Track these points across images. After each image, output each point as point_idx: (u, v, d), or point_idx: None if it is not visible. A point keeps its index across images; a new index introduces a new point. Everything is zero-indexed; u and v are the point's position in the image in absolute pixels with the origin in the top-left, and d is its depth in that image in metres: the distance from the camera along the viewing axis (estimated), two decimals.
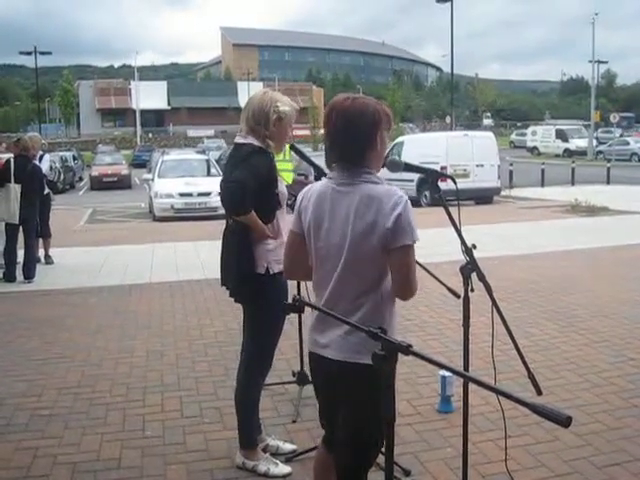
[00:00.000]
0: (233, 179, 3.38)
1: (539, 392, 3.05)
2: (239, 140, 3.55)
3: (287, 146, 3.93)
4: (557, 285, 7.87)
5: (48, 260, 10.08)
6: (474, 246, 2.76)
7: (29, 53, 49.51)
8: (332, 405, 2.57)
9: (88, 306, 7.50)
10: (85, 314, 7.14)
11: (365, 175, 2.40)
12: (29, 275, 8.77)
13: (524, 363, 3.00)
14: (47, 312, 7.24)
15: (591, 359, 5.29)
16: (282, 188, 3.57)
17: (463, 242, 2.71)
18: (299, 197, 2.58)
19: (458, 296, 3.06)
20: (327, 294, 2.48)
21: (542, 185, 23.85)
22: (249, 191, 3.32)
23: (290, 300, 2.18)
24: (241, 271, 3.45)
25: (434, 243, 10.03)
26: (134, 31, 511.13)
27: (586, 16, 48.49)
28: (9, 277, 8.76)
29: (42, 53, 49.86)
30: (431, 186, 2.70)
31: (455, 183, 2.77)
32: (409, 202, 2.35)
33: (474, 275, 2.85)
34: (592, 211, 15.38)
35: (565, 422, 1.42)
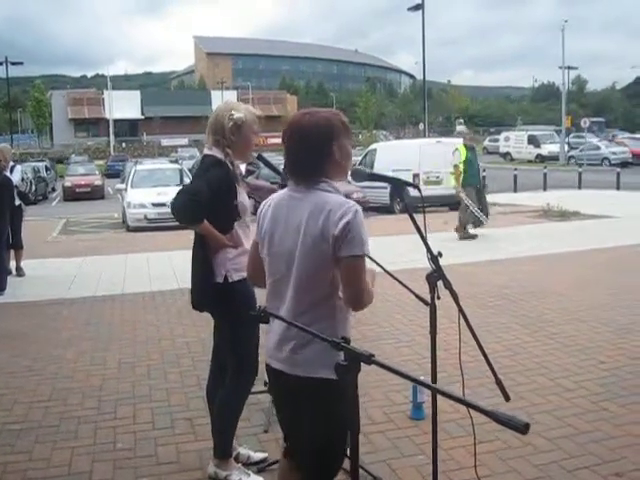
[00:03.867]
0: (184, 190, 3.40)
1: (507, 398, 3.08)
2: (205, 151, 3.58)
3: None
4: (529, 290, 7.94)
5: (19, 272, 9.96)
6: (440, 254, 2.77)
7: (0, 63, 48.95)
8: (292, 418, 2.57)
9: (60, 318, 7.43)
10: (57, 326, 7.07)
11: (320, 184, 2.44)
12: (0, 287, 8.66)
13: (492, 370, 3.02)
14: (18, 324, 7.16)
15: (562, 363, 5.33)
16: (242, 199, 3.56)
17: (429, 250, 2.73)
18: (260, 206, 2.62)
19: (427, 303, 3.08)
20: (281, 304, 2.48)
21: (515, 190, 24.05)
22: (200, 202, 3.33)
23: (257, 310, 2.18)
24: (200, 280, 3.47)
25: (406, 249, 10.10)
26: (107, 41, 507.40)
27: (557, 23, 49.05)
28: None
29: (13, 63, 49.24)
30: (397, 195, 2.71)
31: (420, 192, 2.78)
32: (360, 213, 2.35)
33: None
34: (564, 216, 15.54)
35: (523, 429, 1.44)
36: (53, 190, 36.52)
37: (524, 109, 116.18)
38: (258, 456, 3.82)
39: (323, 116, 2.46)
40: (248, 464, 3.76)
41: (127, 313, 7.56)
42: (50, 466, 3.84)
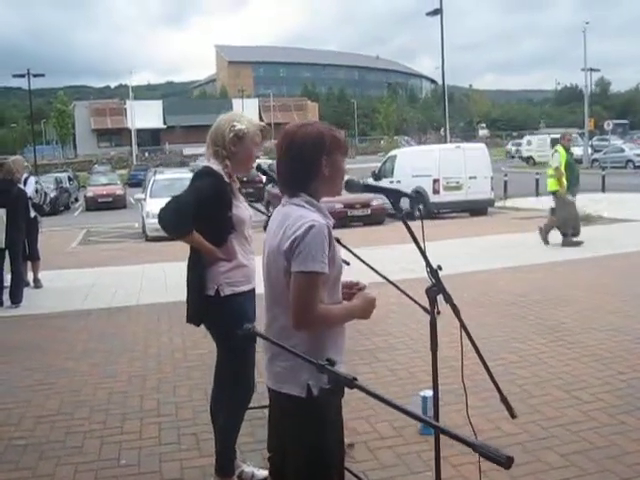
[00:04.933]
0: (171, 201, 3.34)
1: (512, 415, 2.96)
2: (203, 163, 3.52)
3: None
4: (547, 297, 7.79)
5: (37, 284, 10.00)
6: (439, 267, 2.68)
7: (22, 76, 49.46)
8: (277, 436, 2.52)
9: (74, 330, 7.42)
10: (70, 338, 7.06)
11: (296, 198, 2.39)
12: (16, 300, 8.69)
13: (496, 386, 2.92)
14: (32, 337, 7.16)
15: (578, 374, 5.20)
16: (239, 212, 3.49)
17: (428, 263, 2.64)
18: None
19: (429, 313, 2.95)
20: (266, 319, 2.47)
21: (537, 195, 23.78)
22: (187, 212, 3.27)
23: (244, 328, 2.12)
24: (192, 293, 3.42)
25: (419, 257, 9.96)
26: (130, 51, 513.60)
27: (579, 25, 48.55)
28: None
29: (35, 75, 49.75)
30: (394, 206, 2.62)
31: (418, 203, 2.70)
32: (317, 229, 2.27)
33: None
34: (586, 220, 15.27)
35: (505, 463, 1.35)
36: (76, 200, 36.84)
37: (547, 112, 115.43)
38: (262, 473, 3.73)
39: (316, 129, 2.41)
40: None
41: (141, 324, 7.54)
42: None
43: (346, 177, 2.54)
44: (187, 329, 7.17)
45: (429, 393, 4.27)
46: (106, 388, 5.40)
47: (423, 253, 2.64)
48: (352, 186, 2.58)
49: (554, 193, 11.84)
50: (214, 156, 3.46)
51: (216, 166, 3.43)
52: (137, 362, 6.09)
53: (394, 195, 2.63)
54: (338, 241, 3.62)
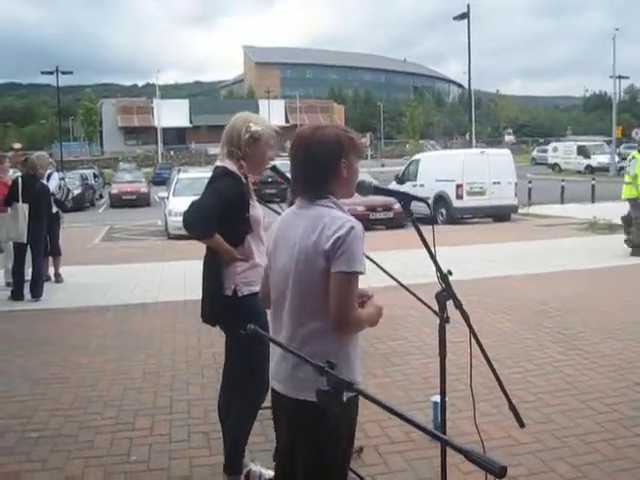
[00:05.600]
0: (195, 203, 3.35)
1: (521, 424, 2.92)
2: (217, 163, 3.53)
3: None
4: (567, 306, 7.70)
5: (58, 278, 10.10)
6: (450, 272, 2.65)
7: (51, 73, 50.00)
8: (288, 442, 2.49)
9: (91, 325, 7.47)
10: (87, 334, 7.11)
11: (322, 200, 2.37)
12: (36, 294, 8.78)
13: (505, 394, 2.88)
14: (50, 331, 7.23)
15: (595, 384, 5.13)
16: (255, 213, 3.51)
17: (438, 268, 2.61)
18: (273, 223, 2.57)
19: (442, 318, 2.92)
20: (281, 322, 2.43)
21: (562, 202, 23.57)
22: (211, 215, 3.28)
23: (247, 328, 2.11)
24: (209, 293, 3.43)
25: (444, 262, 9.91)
26: (159, 50, 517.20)
27: (609, 32, 48.12)
28: (17, 295, 8.77)
29: (63, 73, 50.28)
30: (404, 210, 2.60)
31: (429, 207, 2.68)
32: (357, 230, 2.27)
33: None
34: (611, 229, 15.11)
35: (499, 472, 1.33)
36: (100, 197, 37.15)
37: (575, 119, 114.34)
38: (270, 473, 3.72)
39: (332, 132, 2.39)
40: None
41: (157, 322, 7.57)
42: (62, 477, 3.82)
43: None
44: (203, 328, 7.13)
45: (439, 399, 4.24)
46: (120, 384, 5.43)
47: (433, 257, 2.61)
48: (363, 188, 2.57)
49: (631, 200, 11.67)
50: (229, 156, 3.46)
51: (232, 166, 3.43)
52: (152, 359, 6.11)
53: (404, 198, 2.61)
54: None
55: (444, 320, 2.79)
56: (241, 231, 3.43)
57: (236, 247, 3.43)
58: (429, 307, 3.30)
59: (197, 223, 3.34)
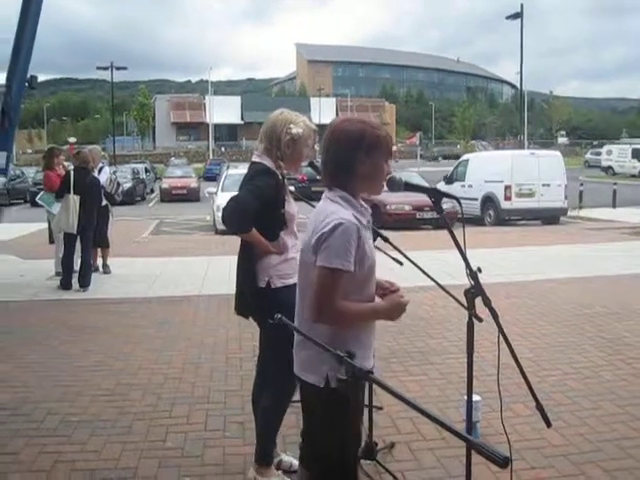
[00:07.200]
0: (234, 199, 3.42)
1: (548, 424, 2.91)
2: (254, 158, 3.60)
3: None
4: (612, 310, 7.58)
5: (106, 270, 10.34)
6: (479, 269, 2.66)
7: (105, 68, 51.06)
8: (304, 424, 2.64)
9: (136, 316, 7.64)
10: (132, 323, 7.28)
11: (333, 192, 2.43)
12: (84, 283, 9.00)
13: (532, 394, 2.86)
14: (95, 320, 7.42)
15: (634, 390, 5.04)
16: (289, 208, 3.58)
17: (468, 265, 2.62)
18: None
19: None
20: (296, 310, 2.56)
21: (614, 206, 23.10)
22: (249, 211, 3.35)
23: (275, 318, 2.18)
24: (243, 284, 3.50)
25: (489, 263, 9.84)
26: (213, 47, 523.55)
27: None
28: (65, 285, 9.02)
29: (118, 68, 51.29)
30: (434, 206, 2.62)
31: (460, 204, 2.69)
32: (344, 228, 2.30)
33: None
34: None
35: (502, 462, 1.35)
36: (152, 191, 37.76)
37: (631, 122, 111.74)
38: None
39: (356, 127, 2.42)
40: (290, 472, 3.73)
41: (200, 314, 7.71)
42: (99, 459, 3.94)
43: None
44: (244, 321, 7.22)
45: (475, 398, 4.24)
46: (160, 373, 5.56)
47: (463, 255, 2.62)
48: (393, 184, 2.59)
49: None
50: (266, 153, 3.53)
51: (270, 164, 3.50)
52: (193, 350, 6.23)
53: (435, 195, 2.62)
54: (386, 240, 3.65)
55: (476, 317, 2.79)
56: (276, 226, 3.51)
57: (271, 242, 3.50)
58: (460, 303, 3.30)
59: (235, 218, 3.41)
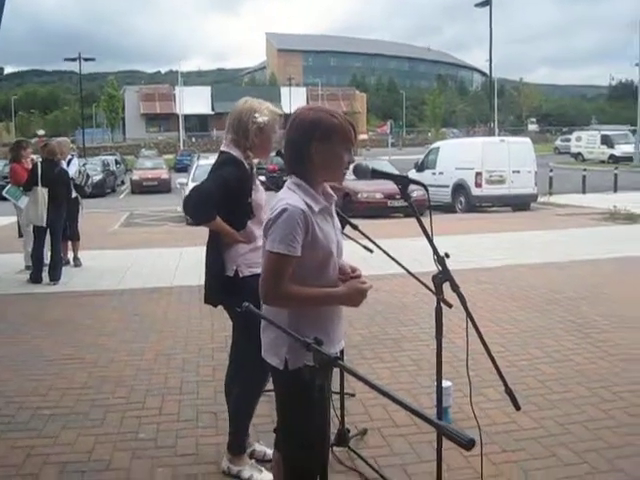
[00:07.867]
0: (195, 189, 3.42)
1: (517, 407, 2.94)
2: (222, 148, 3.59)
3: None
4: (582, 295, 7.68)
5: (76, 262, 10.24)
6: (447, 255, 2.68)
7: (74, 59, 50.40)
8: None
9: (107, 308, 7.58)
10: (103, 316, 7.22)
11: (289, 180, 2.48)
12: (54, 277, 8.91)
13: (501, 378, 2.89)
14: (66, 313, 7.35)
15: (603, 373, 5.12)
16: (257, 198, 3.57)
17: (435, 251, 2.64)
18: None
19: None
20: None
21: (583, 192, 23.35)
22: (210, 200, 3.35)
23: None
24: (211, 273, 3.50)
25: (460, 250, 9.91)
26: (182, 37, 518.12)
27: (637, 19, 47.26)
28: (35, 278, 8.92)
29: (86, 59, 50.66)
30: (402, 193, 2.62)
31: (427, 191, 2.71)
32: (289, 213, 2.32)
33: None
34: (631, 219, 15.00)
35: (467, 444, 1.37)
36: (122, 183, 37.45)
37: (600, 108, 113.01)
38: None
39: (313, 115, 2.42)
40: (264, 461, 3.74)
41: (172, 306, 7.67)
42: (72, 452, 3.92)
43: (355, 161, 2.56)
44: (216, 312, 7.21)
45: (446, 383, 4.28)
46: (133, 365, 5.53)
47: (430, 241, 2.64)
48: (360, 171, 2.60)
49: None
50: (234, 143, 3.52)
51: (236, 153, 3.49)
52: (165, 341, 6.21)
53: (402, 182, 2.63)
54: (356, 228, 3.66)
55: (445, 303, 2.82)
56: (243, 216, 3.51)
57: (238, 231, 3.50)
58: (428, 288, 3.32)
59: (197, 208, 3.44)
